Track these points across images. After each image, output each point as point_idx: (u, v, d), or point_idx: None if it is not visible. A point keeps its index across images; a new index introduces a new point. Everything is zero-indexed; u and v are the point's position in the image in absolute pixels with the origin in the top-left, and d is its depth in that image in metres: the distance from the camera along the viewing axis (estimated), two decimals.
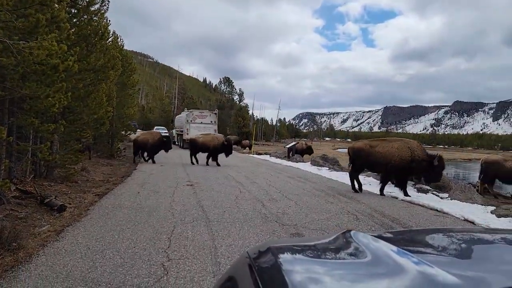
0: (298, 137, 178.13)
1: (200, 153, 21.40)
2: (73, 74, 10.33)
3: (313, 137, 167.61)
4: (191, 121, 38.70)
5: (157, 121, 79.75)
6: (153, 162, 21.24)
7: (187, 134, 37.25)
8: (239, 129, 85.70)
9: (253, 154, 35.80)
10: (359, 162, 12.94)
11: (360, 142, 13.25)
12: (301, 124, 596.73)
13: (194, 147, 21.39)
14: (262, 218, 8.42)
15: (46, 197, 8.93)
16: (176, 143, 44.51)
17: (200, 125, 38.29)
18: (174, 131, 47.79)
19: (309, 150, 31.40)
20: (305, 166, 22.74)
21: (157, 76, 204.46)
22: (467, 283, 1.36)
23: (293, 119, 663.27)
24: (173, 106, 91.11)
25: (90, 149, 20.59)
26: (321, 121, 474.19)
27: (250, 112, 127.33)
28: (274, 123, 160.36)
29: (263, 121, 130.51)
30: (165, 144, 21.73)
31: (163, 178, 14.60)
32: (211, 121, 39.08)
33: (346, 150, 16.67)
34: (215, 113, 40.13)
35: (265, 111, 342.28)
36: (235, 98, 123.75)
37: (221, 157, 21.72)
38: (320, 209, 9.67)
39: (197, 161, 21.37)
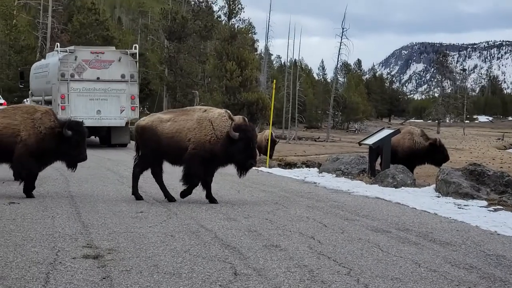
0: (399, 116, 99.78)
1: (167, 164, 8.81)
2: None
3: (441, 115, 78.82)
4: (72, 76, 18.90)
5: None
6: None
7: (64, 108, 18.78)
8: (230, 94, 35.71)
9: (269, 167, 15.05)
10: None
11: None
12: (405, 75, 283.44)
13: (150, 148, 8.36)
14: None
15: None
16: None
17: (96, 85, 19.19)
18: (28, 101, 23.95)
19: (434, 153, 12.50)
20: (421, 198, 9.48)
21: None
22: None
23: (384, 63, 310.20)
24: (41, 37, 43.55)
25: None
26: (462, 66, 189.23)
27: (260, 47, 58.79)
28: (329, 75, 69.73)
29: (298, 71, 56.70)
30: (67, 143, 7.96)
31: (20, 238, 5.49)
32: (123, 75, 19.41)
33: None
34: (132, 55, 20.30)
35: (303, 40, 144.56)
36: (216, 8, 52.33)
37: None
38: None
39: (135, 194, 8.37)
